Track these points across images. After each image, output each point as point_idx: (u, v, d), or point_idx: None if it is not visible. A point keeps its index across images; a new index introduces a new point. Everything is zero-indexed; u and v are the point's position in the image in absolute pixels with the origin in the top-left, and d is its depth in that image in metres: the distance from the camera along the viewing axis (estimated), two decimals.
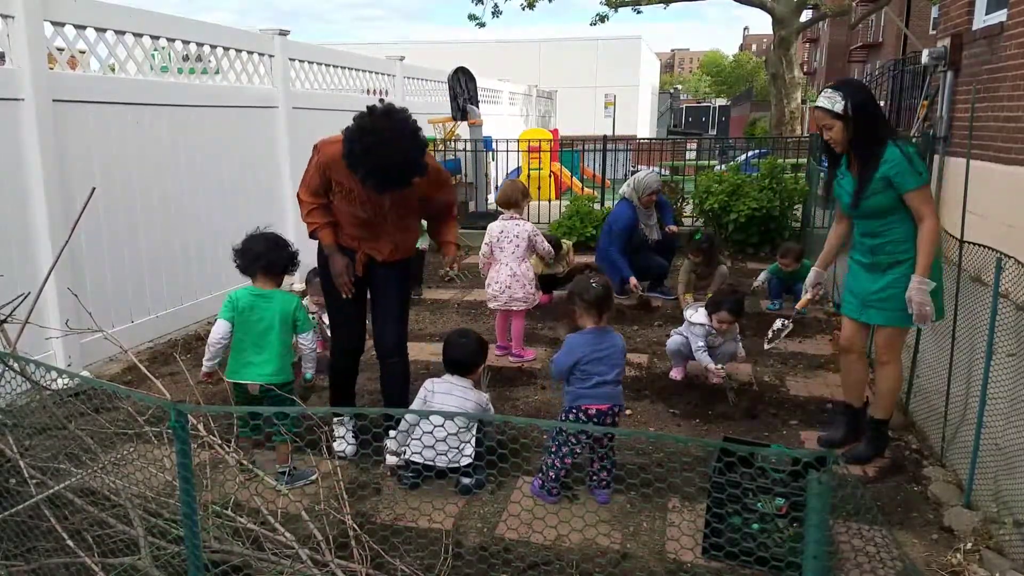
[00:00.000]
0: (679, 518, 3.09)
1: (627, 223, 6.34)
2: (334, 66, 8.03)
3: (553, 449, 3.20)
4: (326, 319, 4.01)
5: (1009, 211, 5.85)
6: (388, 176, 3.13)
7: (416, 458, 3.27)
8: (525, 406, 4.29)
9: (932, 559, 2.77)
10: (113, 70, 5.15)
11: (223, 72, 6.28)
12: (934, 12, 17.39)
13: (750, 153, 13.60)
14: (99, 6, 4.94)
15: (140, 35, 5.23)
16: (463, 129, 10.80)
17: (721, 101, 50.75)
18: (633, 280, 6.11)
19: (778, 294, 6.26)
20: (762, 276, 6.34)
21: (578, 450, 3.20)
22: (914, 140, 7.92)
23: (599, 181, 10.88)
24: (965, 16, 7.18)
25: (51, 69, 4.58)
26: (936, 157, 7.51)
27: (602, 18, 16.72)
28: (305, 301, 5.08)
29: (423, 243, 6.26)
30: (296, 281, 7.06)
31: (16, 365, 2.66)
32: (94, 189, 3.80)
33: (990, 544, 2.77)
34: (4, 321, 3.06)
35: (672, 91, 51.57)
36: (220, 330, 3.36)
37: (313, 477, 3.34)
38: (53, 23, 4.57)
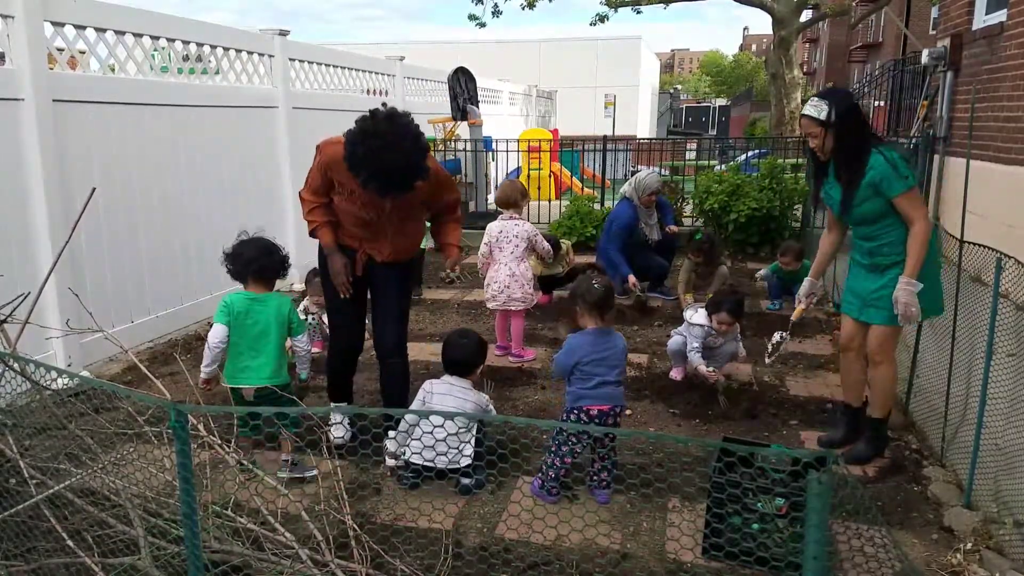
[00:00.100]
0: (679, 518, 3.09)
1: (627, 222, 6.34)
2: (334, 66, 8.03)
3: (553, 448, 3.21)
4: (327, 319, 4.02)
5: (1009, 211, 5.85)
6: (390, 180, 3.13)
7: (415, 459, 3.27)
8: (525, 406, 4.29)
9: (932, 559, 2.77)
10: (113, 70, 5.15)
11: (223, 72, 6.28)
12: (934, 12, 17.39)
13: (750, 153, 13.60)
14: (99, 6, 4.94)
15: (140, 35, 5.23)
16: (463, 129, 10.80)
17: (721, 101, 50.75)
18: (632, 278, 6.11)
19: (778, 294, 6.26)
20: (763, 271, 6.34)
21: (578, 449, 3.20)
22: (913, 140, 7.93)
23: (599, 181, 10.88)
24: (965, 16, 7.18)
25: (51, 69, 4.58)
26: (936, 157, 7.51)
27: (602, 18, 16.73)
28: (305, 301, 5.09)
29: (424, 243, 6.26)
30: (296, 281, 7.07)
31: (16, 365, 2.66)
32: (94, 189, 3.80)
33: (990, 544, 2.77)
34: (4, 321, 3.05)
35: (672, 91, 51.54)
36: (217, 334, 3.36)
37: (312, 473, 3.35)
38: (53, 23, 4.57)
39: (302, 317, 4.95)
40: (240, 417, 3.38)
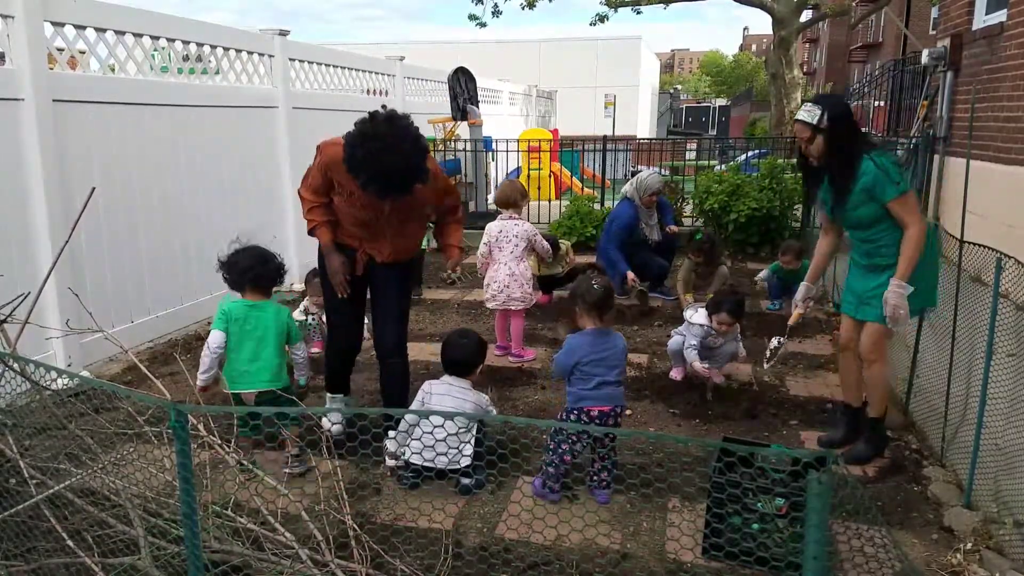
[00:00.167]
0: (679, 518, 3.09)
1: (627, 221, 6.34)
2: (334, 66, 8.03)
3: (552, 447, 3.21)
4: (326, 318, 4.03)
5: (1009, 211, 5.85)
6: (389, 182, 3.13)
7: (415, 459, 3.27)
8: (525, 406, 4.29)
9: (932, 559, 2.77)
10: (113, 70, 5.15)
11: (223, 72, 6.28)
12: (934, 12, 17.39)
13: (750, 153, 13.60)
14: (99, 6, 4.94)
15: (140, 35, 5.23)
16: (463, 129, 10.80)
17: (721, 101, 50.75)
18: (630, 274, 6.12)
19: (778, 294, 6.26)
20: (763, 273, 6.34)
21: (578, 448, 3.20)
22: (913, 140, 7.93)
23: (599, 181, 10.88)
24: (965, 16, 7.18)
25: (51, 69, 4.58)
26: (936, 157, 7.52)
27: (602, 18, 16.73)
28: (306, 302, 5.09)
29: (424, 243, 6.26)
30: (296, 280, 7.06)
31: (16, 365, 2.66)
32: (94, 189, 3.80)
33: (990, 544, 2.77)
34: (4, 321, 3.05)
35: (672, 91, 51.53)
36: (215, 340, 3.38)
37: (305, 467, 3.40)
38: (53, 23, 4.57)
39: (302, 317, 4.99)
40: (240, 417, 3.39)
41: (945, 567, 2.71)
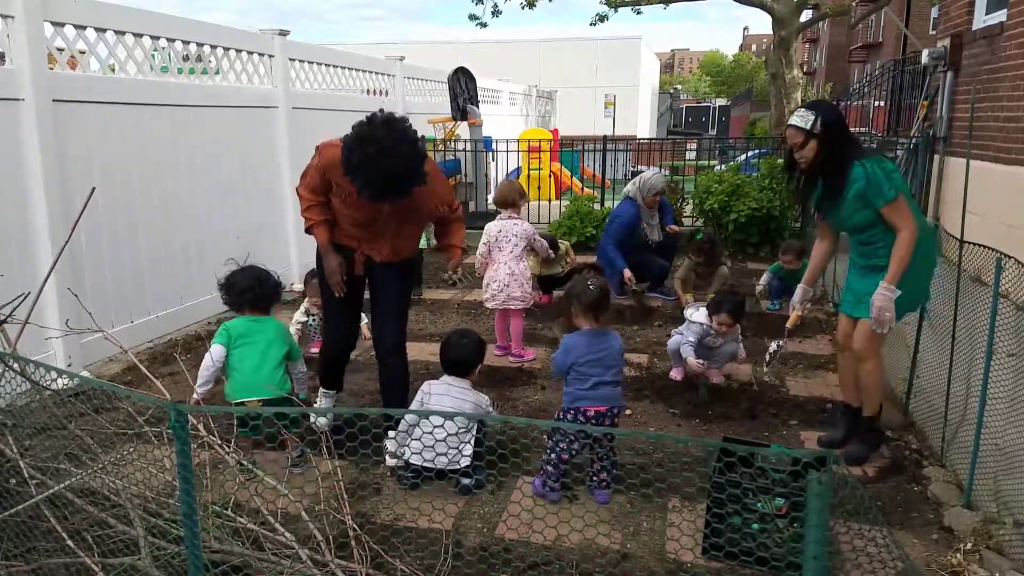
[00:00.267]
0: (679, 518, 3.09)
1: (627, 220, 6.35)
2: (334, 66, 8.03)
3: (549, 446, 3.21)
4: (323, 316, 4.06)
5: (1009, 211, 5.85)
6: (385, 186, 3.13)
7: (415, 459, 3.27)
8: (525, 406, 4.29)
9: (932, 559, 2.77)
10: (113, 70, 5.15)
11: (223, 72, 6.28)
12: (934, 12, 17.39)
13: (750, 153, 13.59)
14: (99, 6, 4.94)
15: (140, 35, 5.23)
16: (463, 129, 10.80)
17: (721, 101, 50.75)
18: (627, 272, 6.12)
19: (778, 294, 6.26)
20: (764, 278, 6.33)
21: (576, 447, 3.20)
22: (913, 140, 7.93)
23: (599, 181, 10.88)
24: (965, 16, 7.18)
25: (51, 69, 4.58)
26: (936, 157, 7.51)
27: (602, 18, 16.69)
28: (306, 303, 5.09)
29: (423, 243, 6.26)
30: (296, 280, 7.07)
31: (16, 365, 2.66)
32: (94, 189, 3.80)
33: (990, 544, 2.77)
34: (4, 321, 3.05)
35: (672, 91, 51.53)
36: (216, 354, 3.42)
37: (304, 466, 3.42)
38: (53, 23, 4.57)
39: (304, 318, 5.00)
40: (239, 418, 3.39)
41: (945, 567, 2.71)
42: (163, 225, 5.54)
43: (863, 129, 10.27)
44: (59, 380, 3.49)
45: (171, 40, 5.61)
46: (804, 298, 3.76)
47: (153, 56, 5.50)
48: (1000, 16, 6.35)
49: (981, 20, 6.92)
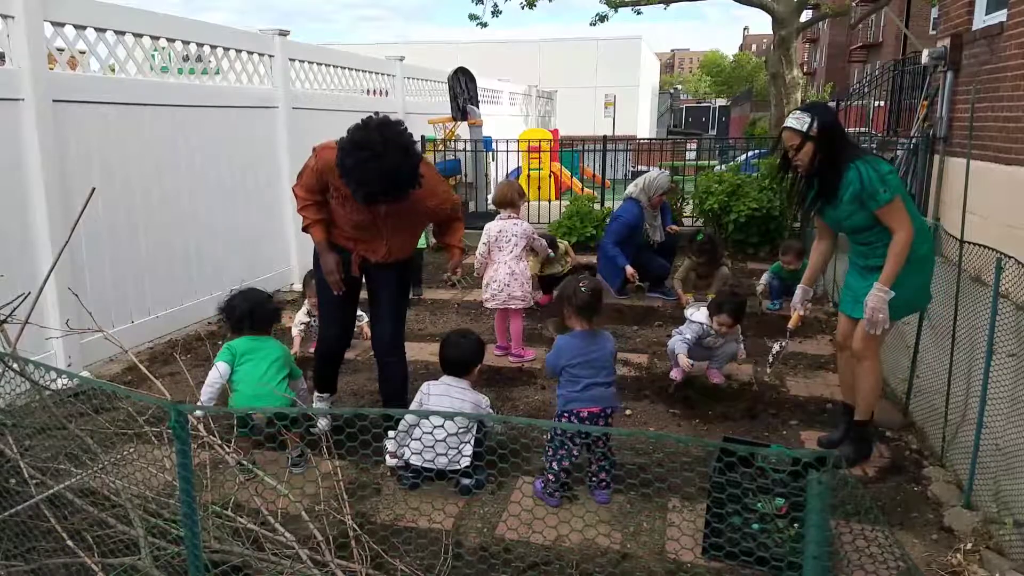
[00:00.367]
0: (679, 518, 3.09)
1: (629, 220, 6.36)
2: (334, 66, 8.02)
3: (550, 453, 3.22)
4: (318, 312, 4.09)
5: (1009, 211, 5.85)
6: (380, 189, 3.14)
7: (415, 460, 3.27)
8: (525, 406, 4.29)
9: (932, 559, 2.77)
10: (113, 70, 5.14)
11: (223, 72, 6.28)
12: (934, 12, 17.38)
13: (750, 153, 13.59)
14: (99, 6, 4.94)
15: (140, 35, 5.23)
16: (463, 129, 10.80)
17: (721, 101, 50.69)
18: (629, 269, 6.14)
19: (778, 295, 6.26)
20: (764, 278, 6.34)
21: (575, 452, 3.20)
22: (913, 140, 7.93)
23: (599, 181, 10.88)
24: (965, 16, 7.18)
25: (51, 69, 4.58)
26: (936, 157, 7.51)
27: (602, 18, 16.68)
28: (306, 304, 5.09)
29: (422, 243, 6.26)
30: (295, 281, 7.07)
31: (16, 365, 2.66)
32: (94, 189, 3.79)
33: (990, 544, 2.77)
34: (4, 321, 3.05)
35: (672, 91, 51.57)
36: (220, 370, 3.44)
37: (304, 466, 3.43)
38: (53, 23, 4.57)
39: (306, 319, 5.00)
40: (239, 418, 3.39)
41: (945, 567, 2.71)
42: (163, 225, 5.54)
43: (863, 129, 10.26)
44: (59, 380, 3.49)
45: (171, 40, 5.61)
46: (804, 298, 3.76)
47: (153, 56, 5.50)
48: (1000, 16, 6.35)
49: (981, 20, 6.92)
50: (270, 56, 6.75)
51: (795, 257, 6.12)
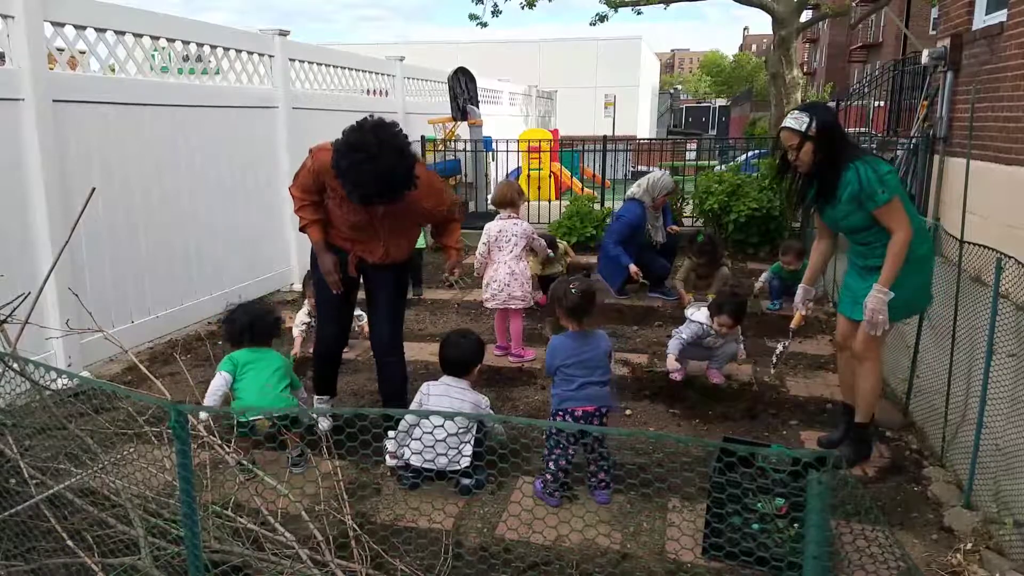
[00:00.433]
0: (679, 518, 3.09)
1: (632, 220, 6.38)
2: (334, 66, 8.02)
3: (546, 453, 3.22)
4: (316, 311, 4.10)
5: (1009, 211, 5.85)
6: (375, 191, 3.15)
7: (415, 460, 3.27)
8: (525, 406, 4.29)
9: (932, 559, 2.77)
10: (113, 70, 5.14)
11: (223, 72, 6.28)
12: (934, 12, 17.38)
13: (750, 153, 13.58)
14: (99, 6, 4.94)
15: (140, 35, 5.23)
16: (463, 129, 10.80)
17: (721, 101, 50.67)
18: (633, 267, 6.15)
19: (779, 295, 6.26)
20: (764, 276, 6.34)
21: (571, 451, 3.20)
22: (913, 140, 7.92)
23: (599, 181, 10.87)
24: (965, 16, 7.18)
25: (51, 69, 4.57)
26: (936, 157, 7.51)
27: (602, 18, 16.65)
28: (307, 304, 5.09)
29: (422, 243, 6.26)
30: (295, 281, 7.07)
31: (16, 365, 2.66)
32: (94, 189, 3.79)
33: (990, 544, 2.77)
34: (4, 321, 3.05)
35: (672, 91, 51.55)
36: (222, 380, 3.45)
37: (304, 466, 3.43)
38: (53, 23, 4.57)
39: (307, 319, 5.01)
40: (239, 420, 3.39)
41: (945, 567, 2.71)
42: (163, 225, 5.54)
43: (863, 129, 10.26)
44: (59, 380, 3.49)
45: (171, 40, 5.61)
46: (806, 297, 3.76)
47: (153, 56, 5.50)
48: (1000, 16, 6.34)
49: (981, 20, 6.92)
50: (270, 56, 6.75)
51: (795, 257, 6.12)
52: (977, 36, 6.83)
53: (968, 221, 4.89)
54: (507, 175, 11.09)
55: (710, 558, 2.77)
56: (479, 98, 11.29)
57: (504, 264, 5.01)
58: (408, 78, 10.23)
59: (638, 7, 15.87)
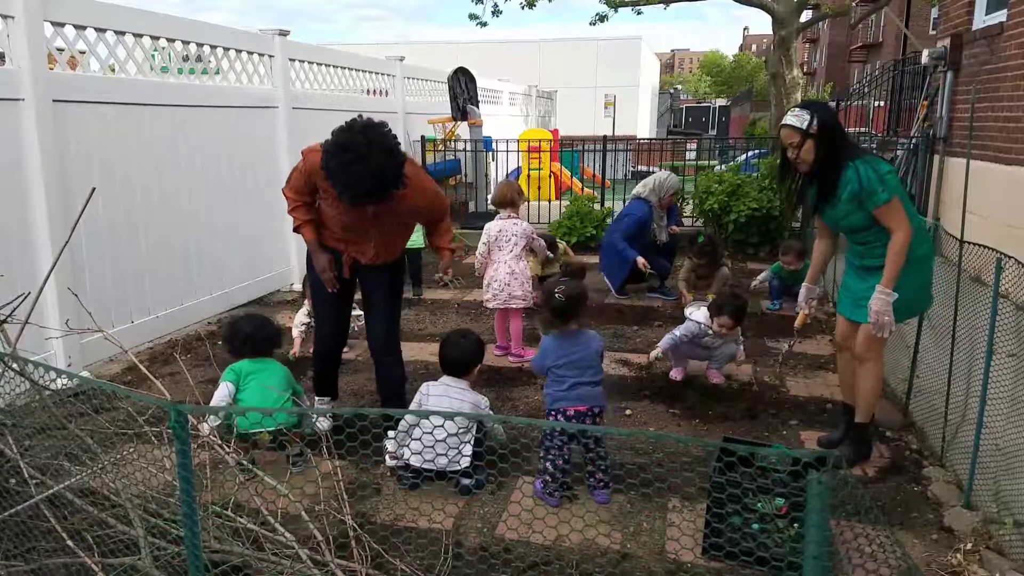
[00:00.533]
0: (679, 518, 3.09)
1: (641, 218, 6.42)
2: (334, 66, 8.02)
3: (542, 454, 3.23)
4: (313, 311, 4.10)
5: (1009, 211, 5.85)
6: (366, 191, 3.15)
7: (414, 460, 3.27)
8: (525, 406, 4.29)
9: (932, 559, 2.77)
10: (113, 70, 5.14)
11: (223, 72, 6.28)
12: (934, 12, 17.37)
13: (750, 153, 13.58)
14: (99, 6, 4.94)
15: (140, 35, 5.23)
16: (463, 129, 10.80)
17: (721, 101, 50.66)
18: (641, 259, 6.17)
19: (779, 295, 6.26)
20: (763, 275, 6.34)
21: (567, 451, 3.20)
22: (913, 140, 7.92)
23: (599, 181, 10.88)
24: (965, 16, 7.18)
25: (51, 69, 4.57)
26: (936, 157, 7.51)
27: (602, 18, 16.65)
28: (307, 305, 5.09)
29: (421, 242, 6.26)
30: (295, 281, 7.07)
31: (16, 365, 2.65)
32: (94, 189, 3.79)
33: (990, 544, 2.77)
34: (4, 321, 3.05)
35: (672, 91, 51.54)
36: (226, 391, 3.46)
37: (304, 466, 3.44)
38: (53, 23, 4.57)
39: (307, 319, 5.01)
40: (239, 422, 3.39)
41: (945, 567, 2.71)
42: (163, 225, 5.54)
43: (863, 129, 10.26)
44: (59, 380, 3.48)
45: (171, 40, 5.61)
46: (809, 296, 3.76)
47: (153, 56, 5.50)
48: (1000, 16, 6.35)
49: (981, 20, 6.92)
50: (270, 56, 6.75)
51: (795, 257, 6.12)
52: (977, 36, 6.83)
53: (968, 221, 4.89)
54: (507, 175, 11.09)
55: (710, 558, 2.77)
56: (479, 98, 11.30)
57: (504, 264, 5.01)
58: (408, 78, 10.23)
59: (638, 7, 15.86)
